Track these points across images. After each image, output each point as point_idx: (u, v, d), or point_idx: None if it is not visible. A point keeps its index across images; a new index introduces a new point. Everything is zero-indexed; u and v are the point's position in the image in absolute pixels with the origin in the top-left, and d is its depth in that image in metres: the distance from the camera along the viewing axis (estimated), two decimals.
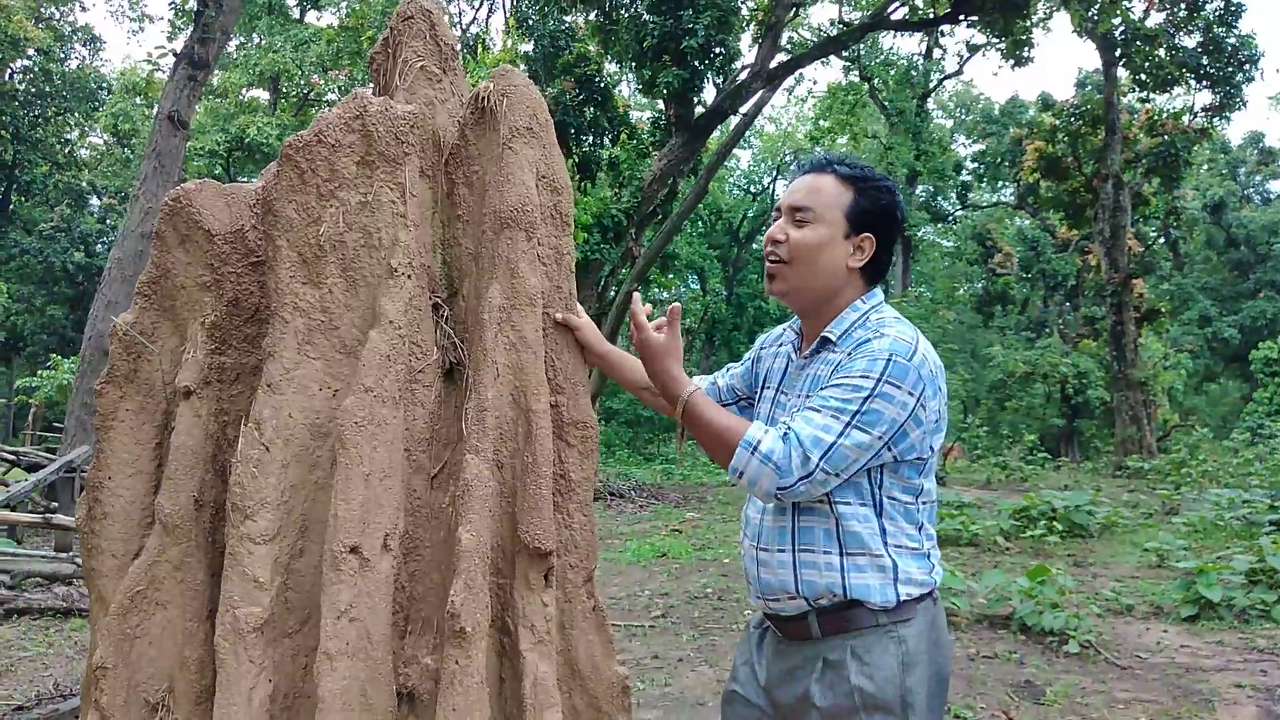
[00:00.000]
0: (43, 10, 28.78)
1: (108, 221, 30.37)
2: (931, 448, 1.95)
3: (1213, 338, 35.36)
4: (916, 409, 1.86)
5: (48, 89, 28.18)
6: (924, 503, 1.98)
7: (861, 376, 1.84)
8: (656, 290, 30.34)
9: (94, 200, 32.13)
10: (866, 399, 1.83)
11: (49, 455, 11.83)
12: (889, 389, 1.83)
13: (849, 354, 1.92)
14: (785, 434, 1.83)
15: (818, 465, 1.81)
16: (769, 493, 1.84)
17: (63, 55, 29.73)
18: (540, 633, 2.11)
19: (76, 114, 29.97)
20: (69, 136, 31.46)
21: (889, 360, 1.85)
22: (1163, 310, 26.22)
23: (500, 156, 2.34)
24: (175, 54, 12.54)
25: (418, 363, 2.28)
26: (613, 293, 18.03)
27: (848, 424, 1.82)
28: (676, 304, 2.09)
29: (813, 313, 2.07)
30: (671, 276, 28.21)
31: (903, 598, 1.91)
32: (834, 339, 2.00)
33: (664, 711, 4.84)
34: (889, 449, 1.87)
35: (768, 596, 2.03)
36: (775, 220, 2.10)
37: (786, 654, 2.03)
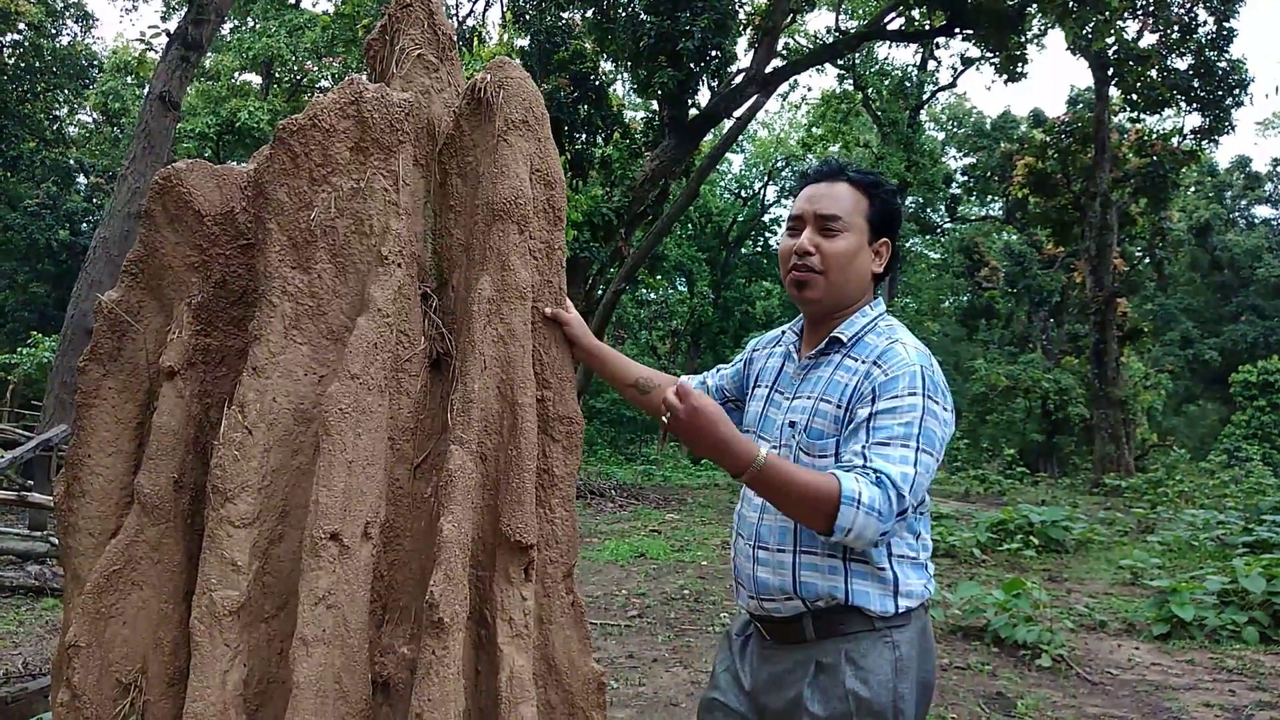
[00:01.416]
0: None
1: (94, 200, 30.10)
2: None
3: (1194, 359, 35.63)
4: (946, 419, 1.90)
5: (38, 64, 27.90)
6: (920, 512, 1.98)
7: (909, 394, 1.85)
8: (644, 290, 30.36)
9: (81, 178, 31.85)
10: (921, 420, 1.83)
11: (26, 433, 11.72)
12: (931, 404, 1.86)
13: (875, 364, 1.92)
14: (878, 479, 1.78)
15: (909, 501, 1.79)
16: (871, 541, 1.80)
17: (54, 31, 29.45)
18: (518, 626, 2.11)
19: (66, 91, 29.68)
20: (58, 113, 31.17)
21: (923, 374, 1.87)
22: (1145, 330, 26.43)
23: (495, 148, 2.33)
24: (169, 34, 12.44)
25: (405, 352, 2.27)
26: (601, 291, 18.02)
27: (917, 450, 1.82)
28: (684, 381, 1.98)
29: (828, 318, 2.07)
30: (659, 278, 28.21)
31: (901, 609, 1.92)
32: (845, 340, 2.01)
33: (637, 711, 4.84)
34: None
35: (763, 596, 2.01)
36: (791, 229, 2.08)
37: (775, 658, 2.02)
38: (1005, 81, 18.99)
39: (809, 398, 2.00)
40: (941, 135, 39.39)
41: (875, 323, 2.02)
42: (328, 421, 2.05)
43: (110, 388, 2.35)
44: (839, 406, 1.94)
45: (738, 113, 17.74)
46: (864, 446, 1.83)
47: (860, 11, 23.60)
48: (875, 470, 1.79)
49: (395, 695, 2.12)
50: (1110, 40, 19.64)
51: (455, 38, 2.68)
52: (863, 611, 1.91)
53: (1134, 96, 21.11)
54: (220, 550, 2.02)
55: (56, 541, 7.01)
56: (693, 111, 16.49)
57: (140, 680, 2.15)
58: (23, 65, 27.61)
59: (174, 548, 2.22)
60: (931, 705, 4.97)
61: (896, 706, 1.88)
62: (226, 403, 2.16)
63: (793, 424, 2.01)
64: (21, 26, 26.69)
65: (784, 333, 2.24)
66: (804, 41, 23.04)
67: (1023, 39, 18.56)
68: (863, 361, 1.95)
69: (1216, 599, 7.12)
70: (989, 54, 20.03)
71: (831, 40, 20.62)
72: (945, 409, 1.89)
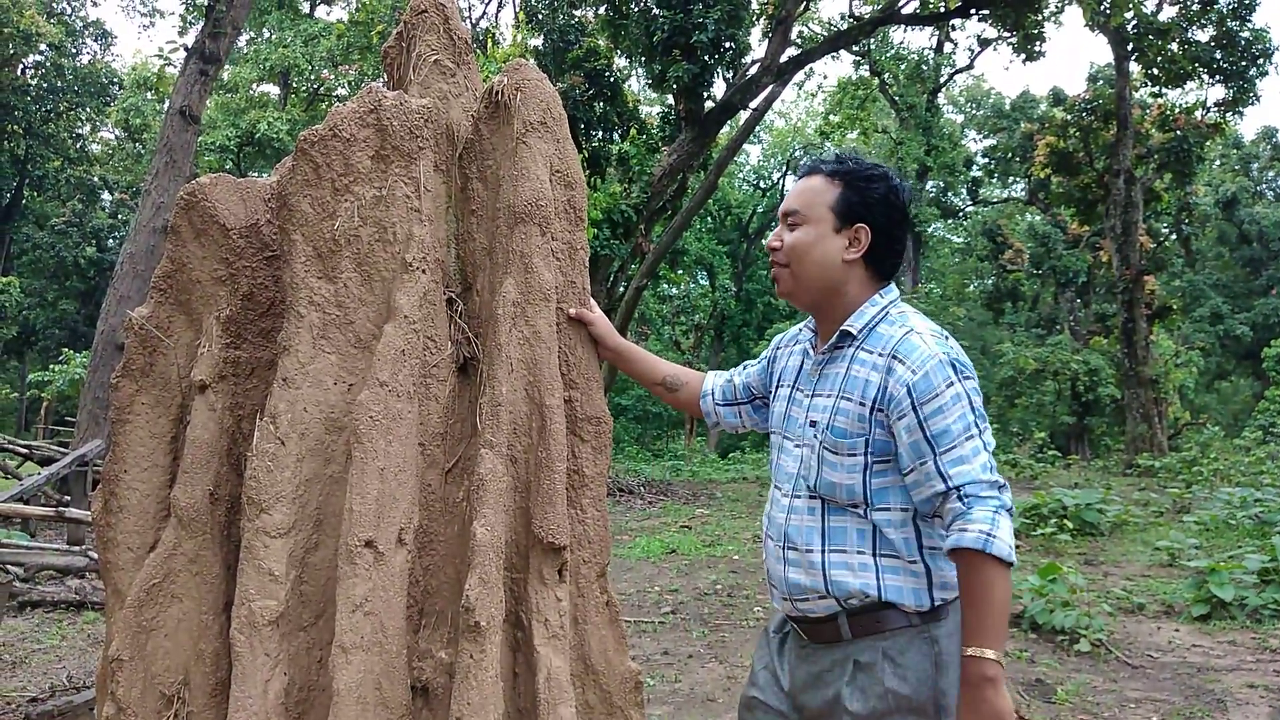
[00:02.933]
0: (54, 5, 28.90)
1: (119, 216, 30.51)
2: None
3: (1224, 335, 35.12)
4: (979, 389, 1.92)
5: (59, 84, 28.31)
6: None
7: (947, 386, 1.85)
8: (666, 286, 30.33)
9: (105, 195, 32.28)
10: (970, 405, 1.85)
11: (61, 449, 11.88)
12: (969, 383, 1.87)
13: (895, 358, 1.90)
14: (965, 500, 1.80)
15: (997, 477, 1.83)
16: (1013, 518, 1.83)
17: (74, 50, 29.85)
18: (554, 627, 2.12)
19: (88, 109, 30.09)
20: (80, 131, 31.61)
21: (951, 360, 1.87)
22: (1174, 307, 26.09)
23: (514, 151, 2.34)
24: (186, 49, 12.57)
25: (432, 357, 2.28)
26: (622, 288, 18.03)
27: (979, 434, 1.84)
28: None
29: (822, 310, 2.06)
30: (680, 272, 28.16)
31: (937, 602, 1.90)
32: (855, 332, 1.98)
33: (674, 708, 4.85)
34: None
35: (796, 597, 2.00)
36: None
37: (813, 658, 2.00)
38: (1023, 61, 18.82)
39: (829, 395, 1.98)
40: (960, 118, 39.09)
41: (886, 311, 1.99)
42: (358, 429, 2.06)
43: (143, 403, 2.38)
44: (861, 404, 1.92)
45: (754, 103, 17.69)
46: (937, 464, 1.84)
47: None
48: (958, 492, 1.81)
49: (434, 700, 2.13)
50: (1129, 15, 19.40)
51: (470, 41, 2.69)
52: (898, 608, 1.89)
53: (1155, 71, 20.83)
54: (257, 561, 2.04)
55: (95, 556, 7.11)
56: (708, 104, 16.44)
57: (183, 692, 2.18)
58: (45, 85, 28.01)
59: (212, 560, 2.24)
60: None
61: (938, 703, 1.86)
62: (258, 414, 2.18)
63: (814, 423, 2.00)
64: (43, 47, 27.07)
65: (802, 329, 2.23)
66: (818, 29, 22.90)
67: (1040, 17, 18.36)
68: (879, 354, 1.93)
69: (1257, 578, 7.01)
70: (1006, 34, 19.84)
71: (845, 26, 20.48)
72: (976, 382, 1.92)
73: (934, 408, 1.84)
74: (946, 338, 1.93)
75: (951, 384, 1.84)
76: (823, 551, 1.95)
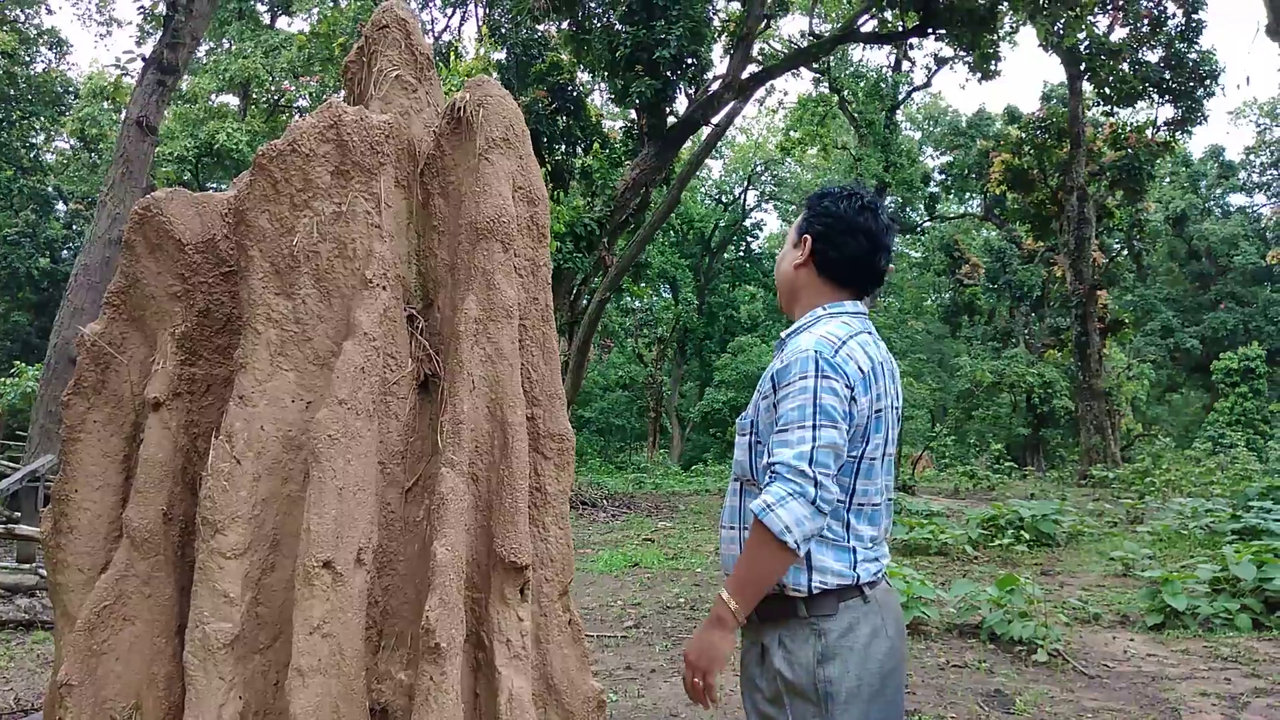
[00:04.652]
0: (7, 13, 28.37)
1: (74, 227, 29.97)
2: (866, 443, 2.05)
3: (1175, 348, 35.88)
4: (848, 403, 2.00)
5: (13, 93, 27.75)
6: (858, 504, 2.07)
7: (799, 379, 1.99)
8: (629, 299, 30.37)
9: (60, 205, 31.66)
10: (815, 399, 1.97)
11: (12, 464, 11.61)
12: (825, 383, 1.98)
13: (782, 355, 2.09)
14: (771, 475, 1.95)
15: (813, 471, 1.92)
16: (813, 515, 1.92)
17: (28, 59, 29.28)
18: (516, 648, 2.10)
19: (42, 118, 29.51)
20: (35, 141, 30.98)
21: (816, 358, 2.00)
22: (1126, 321, 26.61)
23: (476, 167, 2.33)
24: (144, 59, 12.39)
25: (392, 375, 2.26)
26: (585, 301, 18.03)
27: (814, 427, 1.95)
28: None
29: (791, 317, 2.27)
30: (644, 285, 28.20)
31: (815, 587, 2.02)
32: (784, 337, 2.17)
33: None
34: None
35: (726, 572, 2.16)
36: None
37: (746, 633, 2.18)
38: (979, 80, 19.14)
39: (765, 397, 2.16)
40: (918, 135, 39.59)
41: (819, 320, 2.14)
42: (317, 448, 2.04)
43: (95, 421, 2.33)
44: (759, 391, 2.15)
45: (715, 119, 17.81)
46: (770, 441, 2.01)
47: (834, 15, 23.71)
48: (771, 468, 1.96)
49: None
50: (1081, 36, 19.82)
51: (432, 56, 2.68)
52: (786, 592, 2.02)
53: (1107, 90, 21.32)
54: (212, 582, 2.01)
55: (45, 574, 6.93)
56: (671, 119, 16.53)
57: (135, 717, 2.13)
58: None
59: (165, 581, 2.20)
60: (930, 705, 4.97)
61: (820, 690, 1.99)
62: (214, 432, 2.14)
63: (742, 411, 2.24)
64: None
65: None
66: (778, 46, 23.13)
67: (995, 37, 18.69)
68: (783, 351, 2.14)
69: (1208, 587, 7.14)
70: (962, 53, 20.19)
71: (806, 44, 20.71)
72: (847, 385, 2.00)
73: (783, 393, 2.01)
74: (838, 343, 2.04)
75: (805, 377, 1.99)
76: (738, 529, 2.14)
